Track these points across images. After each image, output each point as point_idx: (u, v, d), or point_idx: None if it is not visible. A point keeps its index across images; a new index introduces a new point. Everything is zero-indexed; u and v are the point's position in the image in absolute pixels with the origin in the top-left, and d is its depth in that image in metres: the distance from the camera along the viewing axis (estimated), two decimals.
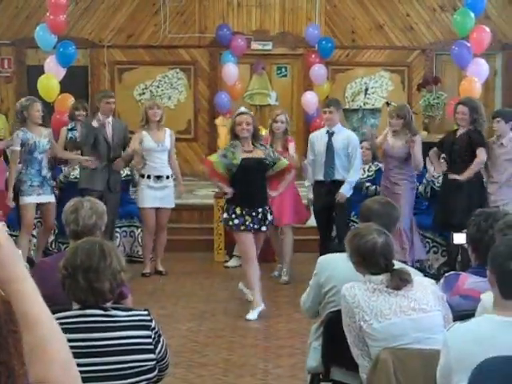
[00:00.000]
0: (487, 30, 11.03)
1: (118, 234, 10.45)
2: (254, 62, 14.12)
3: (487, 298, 3.48)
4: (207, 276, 9.78)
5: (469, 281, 4.32)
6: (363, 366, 4.07)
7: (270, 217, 8.00)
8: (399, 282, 4.01)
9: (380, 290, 4.03)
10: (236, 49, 13.60)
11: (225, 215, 7.98)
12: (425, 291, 4.07)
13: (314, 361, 4.69)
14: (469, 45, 10.81)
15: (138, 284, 8.71)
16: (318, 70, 13.52)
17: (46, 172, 9.20)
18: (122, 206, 10.51)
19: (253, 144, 7.93)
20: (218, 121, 12.83)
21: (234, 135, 7.95)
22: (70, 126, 10.53)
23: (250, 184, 7.83)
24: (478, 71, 10.91)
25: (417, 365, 3.80)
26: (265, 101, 13.61)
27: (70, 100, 11.27)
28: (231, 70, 13.43)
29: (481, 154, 8.82)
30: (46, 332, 1.83)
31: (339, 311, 4.19)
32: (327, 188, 9.24)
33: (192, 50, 14.35)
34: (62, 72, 11.16)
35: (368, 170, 9.95)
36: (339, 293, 4.18)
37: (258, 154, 7.92)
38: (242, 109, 8.52)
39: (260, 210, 7.89)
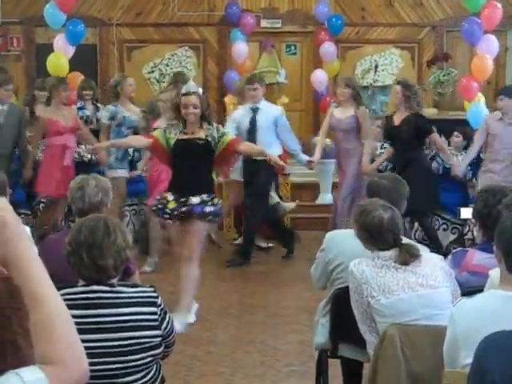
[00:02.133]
0: (499, 6, 10.92)
1: (127, 213, 10.45)
2: (263, 39, 14.03)
3: (496, 274, 3.46)
4: (216, 254, 9.78)
5: (476, 257, 4.31)
6: (371, 342, 4.07)
7: (207, 208, 6.86)
8: (407, 256, 4.00)
9: (388, 265, 4.02)
10: (245, 27, 13.52)
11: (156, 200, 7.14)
12: (433, 267, 4.06)
13: (322, 337, 4.69)
14: (479, 21, 10.71)
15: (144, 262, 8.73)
16: (328, 48, 13.44)
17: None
18: (130, 185, 10.50)
19: (200, 125, 6.93)
20: (227, 99, 12.75)
21: (178, 111, 6.95)
22: (79, 105, 10.54)
23: (182, 169, 6.93)
24: (489, 48, 10.81)
25: (424, 341, 3.80)
26: (274, 79, 13.51)
27: (80, 78, 11.27)
28: (240, 48, 13.36)
29: (438, 140, 9.09)
30: (52, 311, 1.83)
31: (347, 288, 4.19)
32: (248, 168, 9.20)
33: (201, 27, 14.28)
34: (71, 50, 11.13)
35: (381, 148, 9.90)
36: (347, 269, 4.17)
37: (199, 134, 6.91)
38: (191, 86, 7.09)
39: (195, 198, 6.83)
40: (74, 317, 1.89)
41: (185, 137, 6.89)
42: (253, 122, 9.31)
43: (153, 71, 14.36)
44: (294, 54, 14.54)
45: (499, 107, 8.99)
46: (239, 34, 13.44)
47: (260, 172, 8.87)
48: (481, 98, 10.56)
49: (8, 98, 9.72)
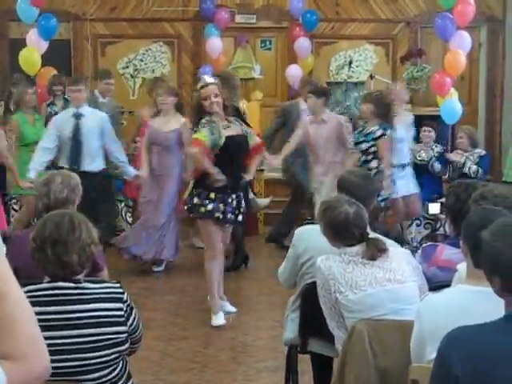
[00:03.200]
0: (471, 2, 10.95)
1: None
2: (237, 35, 14.01)
3: (463, 268, 3.47)
4: (189, 249, 9.76)
5: (446, 252, 4.32)
6: (339, 338, 4.07)
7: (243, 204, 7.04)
8: (375, 251, 4.00)
9: (355, 261, 4.02)
10: (220, 22, 13.49)
11: (195, 200, 6.81)
12: (400, 262, 4.06)
13: (292, 333, 4.70)
14: (452, 17, 10.75)
15: (116, 258, 8.69)
16: (303, 43, 13.44)
17: None
18: None
19: (226, 119, 6.86)
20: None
21: (201, 113, 6.77)
22: (49, 101, 10.46)
23: (229, 166, 6.78)
24: (461, 44, 10.85)
25: (392, 335, 3.80)
26: (249, 74, 13.50)
27: (52, 74, 11.19)
28: (215, 44, 13.34)
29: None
30: (15, 308, 1.83)
31: (315, 283, 4.18)
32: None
33: (175, 23, 14.22)
34: (45, 45, 11.07)
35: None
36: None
37: (237, 130, 6.87)
38: (207, 78, 7.06)
39: (234, 196, 6.89)
40: (39, 313, 1.88)
41: (232, 133, 6.78)
42: (76, 129, 8.30)
43: (127, 66, 14.30)
44: (269, 49, 14.52)
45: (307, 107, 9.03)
46: (213, 30, 13.41)
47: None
48: (454, 94, 10.59)
49: (108, 92, 9.91)
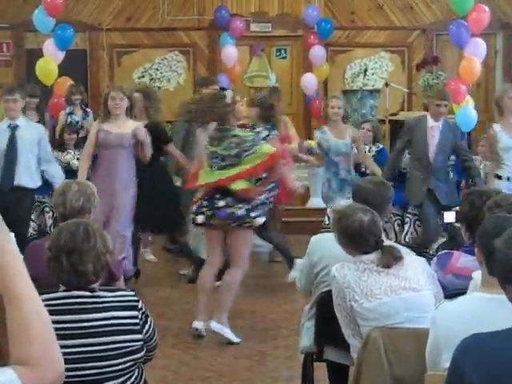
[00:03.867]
0: (486, 9, 10.94)
1: None
2: (253, 43, 14.06)
3: (478, 276, 3.46)
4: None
5: (462, 259, 4.31)
6: (354, 346, 4.07)
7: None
8: (390, 259, 4.00)
9: (370, 269, 4.02)
10: (235, 31, 13.54)
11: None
12: (415, 270, 4.06)
13: (307, 341, 4.70)
14: (467, 24, 10.73)
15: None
16: (318, 52, 13.46)
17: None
18: None
19: None
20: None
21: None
22: (68, 110, 10.51)
23: None
24: (476, 51, 10.83)
25: (407, 343, 3.80)
26: (264, 83, 13.55)
27: (69, 83, 11.25)
28: (230, 52, 13.37)
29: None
30: (30, 311, 1.82)
31: (331, 291, 4.18)
32: (5, 197, 7.73)
33: (191, 32, 14.28)
34: (61, 55, 11.13)
35: (369, 151, 9.86)
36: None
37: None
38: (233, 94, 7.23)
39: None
40: (55, 322, 1.89)
41: None
42: (12, 142, 7.91)
43: (143, 76, 14.36)
44: (284, 57, 14.55)
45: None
46: (229, 39, 13.45)
47: None
48: (469, 101, 10.57)
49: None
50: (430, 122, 8.30)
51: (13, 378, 1.74)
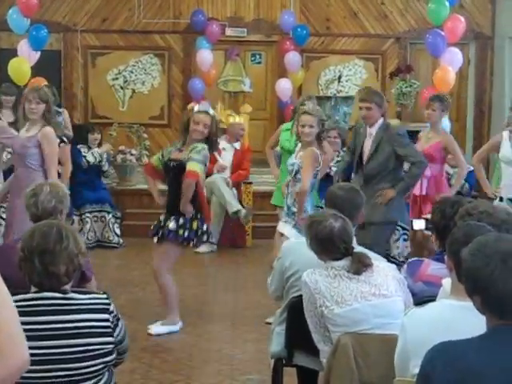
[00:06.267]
0: (462, 19, 11.05)
1: (88, 220, 10.47)
2: (228, 48, 14.07)
3: (448, 283, 3.49)
4: (177, 262, 9.74)
5: (431, 267, 4.35)
6: (324, 352, 4.09)
7: (172, 225, 6.84)
8: (360, 265, 4.03)
9: (341, 275, 4.04)
10: (210, 35, 13.55)
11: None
12: (385, 277, 4.09)
13: (277, 346, 4.70)
14: (443, 34, 10.83)
15: (106, 270, 8.70)
16: (293, 57, 13.50)
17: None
18: (93, 192, 10.56)
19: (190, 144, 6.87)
20: (190, 106, 12.78)
21: (186, 130, 6.93)
22: None
23: (168, 188, 7.07)
24: (452, 60, 10.94)
25: (377, 349, 3.82)
26: (239, 87, 13.55)
27: (43, 84, 11.19)
28: (205, 56, 13.40)
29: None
30: None
31: (302, 296, 4.20)
32: None
33: (166, 35, 14.27)
34: (35, 56, 11.09)
35: (338, 157, 9.90)
36: None
37: (181, 155, 6.87)
38: (206, 106, 7.18)
39: (172, 217, 6.88)
40: (26, 323, 1.90)
41: (174, 156, 6.91)
42: None
43: (117, 78, 14.33)
44: (259, 63, 14.59)
45: None
46: (204, 43, 13.48)
47: None
48: None
49: None
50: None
51: None
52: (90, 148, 10.80)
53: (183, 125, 7.04)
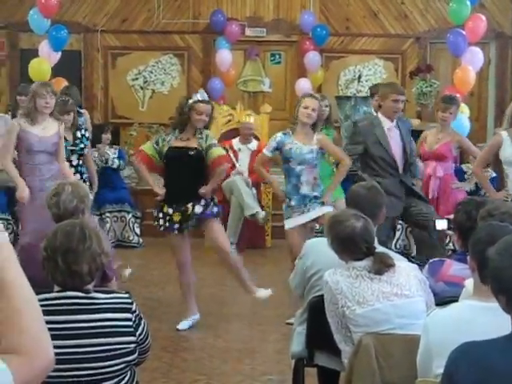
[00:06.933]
0: (483, 18, 11.00)
1: (108, 219, 10.50)
2: (247, 48, 14.08)
3: (470, 284, 3.48)
4: (196, 261, 9.75)
5: (453, 267, 4.34)
6: (345, 352, 4.08)
7: (198, 209, 6.92)
8: (382, 265, 4.02)
9: (362, 275, 4.03)
10: (230, 35, 13.57)
11: (154, 213, 7.11)
12: (407, 277, 4.07)
13: (298, 346, 4.70)
14: (464, 33, 10.78)
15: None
16: (312, 57, 13.50)
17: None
18: (113, 191, 10.57)
19: (194, 133, 6.95)
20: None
21: (185, 121, 6.90)
22: None
23: (175, 177, 6.94)
24: (473, 60, 10.89)
25: (399, 350, 3.81)
26: (258, 87, 13.57)
27: (64, 84, 11.24)
28: (225, 56, 13.41)
29: None
30: (20, 301, 1.82)
31: (323, 296, 4.19)
32: None
33: (186, 35, 14.30)
34: (56, 56, 11.14)
35: None
36: None
37: (191, 144, 6.91)
38: (204, 94, 7.06)
39: (190, 205, 6.91)
40: (49, 322, 1.89)
41: (179, 144, 6.90)
42: None
43: (137, 78, 14.37)
44: (279, 62, 14.58)
45: None
46: (224, 43, 13.49)
47: None
48: (464, 110, 10.59)
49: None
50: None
51: (1, 368, 1.74)
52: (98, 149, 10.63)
53: (183, 115, 6.92)
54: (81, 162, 8.85)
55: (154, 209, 7.16)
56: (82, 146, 8.82)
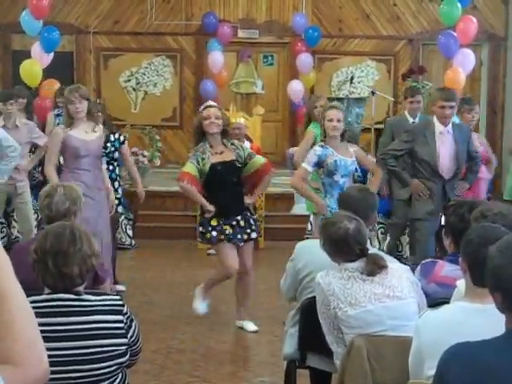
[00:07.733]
0: (474, 20, 11.01)
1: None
2: (240, 50, 14.08)
3: (462, 285, 3.48)
4: (190, 263, 9.78)
5: (445, 268, 4.32)
6: (338, 353, 4.07)
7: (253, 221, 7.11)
8: (374, 267, 4.01)
9: (355, 277, 4.03)
10: (222, 37, 13.57)
11: (200, 229, 7.08)
12: (400, 278, 4.07)
13: (291, 347, 4.69)
14: (455, 35, 10.79)
15: (119, 272, 8.69)
16: (305, 59, 13.51)
17: None
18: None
19: (223, 143, 6.97)
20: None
21: (201, 133, 6.98)
22: (56, 112, 10.46)
23: (222, 192, 6.92)
24: (464, 62, 10.89)
25: (391, 351, 3.80)
26: (251, 89, 13.57)
27: (56, 85, 11.22)
28: (217, 58, 13.41)
29: None
30: (13, 308, 1.79)
31: (315, 297, 4.19)
32: None
33: (178, 37, 14.31)
34: (48, 57, 11.11)
35: None
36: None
37: (229, 156, 6.93)
38: (210, 102, 7.37)
39: (239, 217, 6.98)
40: (40, 325, 1.87)
41: (218, 159, 6.90)
42: None
43: (129, 80, 14.37)
44: (271, 64, 14.59)
45: None
46: (216, 44, 13.49)
47: None
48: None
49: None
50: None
51: None
52: None
53: (197, 128, 7.03)
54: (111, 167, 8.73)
55: (199, 225, 7.12)
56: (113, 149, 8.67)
